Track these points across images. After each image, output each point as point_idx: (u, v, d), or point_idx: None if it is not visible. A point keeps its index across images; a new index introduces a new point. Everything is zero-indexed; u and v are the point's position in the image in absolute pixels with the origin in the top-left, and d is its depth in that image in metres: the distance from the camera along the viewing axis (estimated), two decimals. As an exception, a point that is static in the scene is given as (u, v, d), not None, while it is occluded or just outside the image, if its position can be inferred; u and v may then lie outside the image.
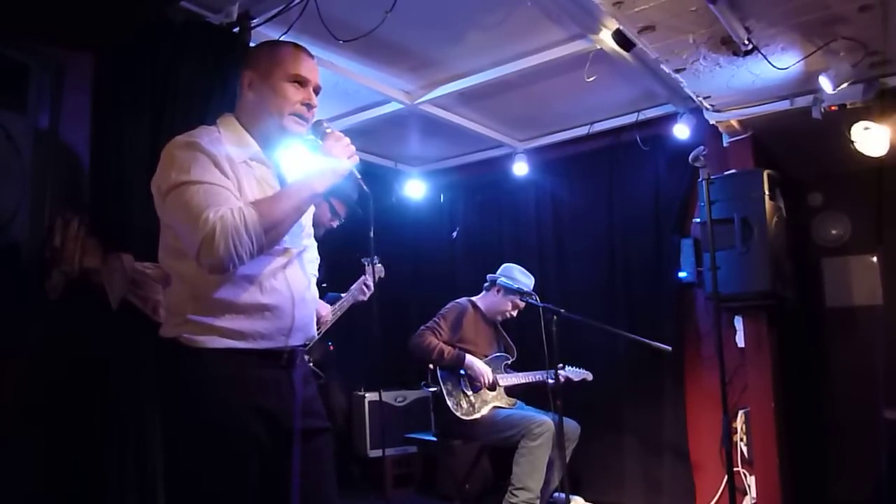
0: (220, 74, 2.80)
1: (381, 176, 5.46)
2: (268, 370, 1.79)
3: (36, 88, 2.57)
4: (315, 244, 2.15)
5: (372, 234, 2.00)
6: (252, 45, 3.00)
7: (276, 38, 3.04)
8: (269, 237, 1.68)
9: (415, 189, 5.54)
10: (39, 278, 2.54)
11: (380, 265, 3.92)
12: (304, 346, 1.92)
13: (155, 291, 2.70)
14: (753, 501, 3.87)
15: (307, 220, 1.99)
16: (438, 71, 3.90)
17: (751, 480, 3.91)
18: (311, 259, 2.08)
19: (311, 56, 1.92)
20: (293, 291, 1.83)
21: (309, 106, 1.86)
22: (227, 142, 1.80)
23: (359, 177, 1.88)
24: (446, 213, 5.74)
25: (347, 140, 1.84)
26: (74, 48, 2.71)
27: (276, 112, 1.84)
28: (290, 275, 1.84)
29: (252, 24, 3.04)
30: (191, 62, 2.74)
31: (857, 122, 3.46)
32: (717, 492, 4.09)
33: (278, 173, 1.91)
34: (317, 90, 1.91)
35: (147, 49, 2.70)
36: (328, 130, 1.86)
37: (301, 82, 1.86)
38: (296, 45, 1.93)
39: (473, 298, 4.34)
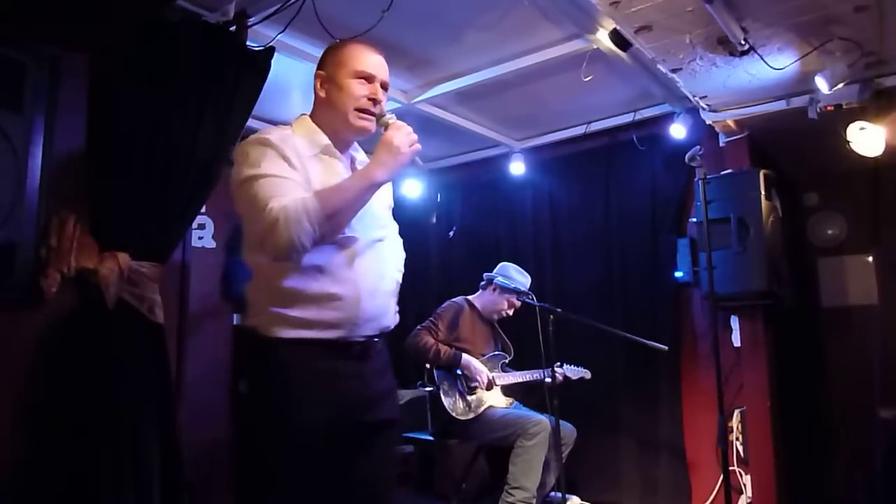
0: (217, 73, 2.79)
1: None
2: (339, 361, 1.85)
3: (32, 87, 2.56)
4: (398, 240, 2.17)
5: (434, 221, 2.07)
6: (249, 43, 3.00)
7: (273, 36, 3.05)
8: (331, 225, 1.75)
9: (411, 188, 5.54)
10: (35, 277, 2.54)
11: None
12: (378, 337, 1.96)
13: (151, 290, 2.70)
14: (749, 500, 3.88)
15: (382, 211, 2.06)
16: (435, 70, 3.90)
17: (746, 479, 3.92)
18: (395, 252, 2.10)
19: (378, 52, 2.00)
20: (363, 282, 1.87)
21: (374, 101, 1.94)
22: (298, 137, 1.90)
23: (421, 164, 1.98)
24: (443, 213, 5.74)
25: (409, 129, 1.88)
26: (71, 47, 2.70)
27: (342, 108, 1.93)
28: (361, 265, 1.88)
29: (249, 23, 3.03)
30: (187, 61, 2.73)
31: (852, 122, 3.46)
32: (713, 491, 4.10)
33: (348, 165, 2.01)
34: (384, 86, 1.99)
35: (143, 47, 2.69)
36: (390, 121, 1.91)
37: (367, 78, 1.94)
38: (361, 43, 2.02)
39: (470, 297, 4.33)
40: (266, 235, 1.70)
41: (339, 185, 1.83)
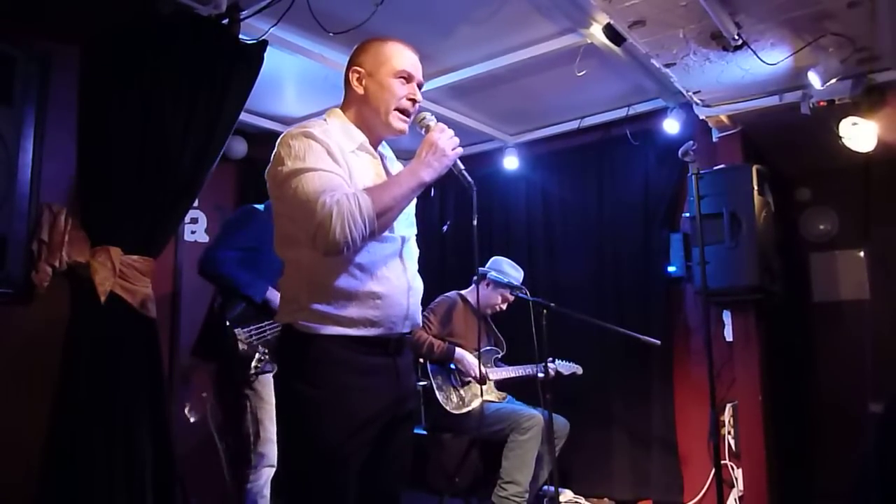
0: (209, 66, 2.78)
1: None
2: (376, 357, 1.87)
3: (22, 80, 2.55)
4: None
5: (475, 222, 2.11)
6: (241, 36, 2.99)
7: (266, 29, 3.04)
8: (381, 222, 1.76)
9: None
10: (27, 271, 2.53)
11: None
12: (410, 333, 2.00)
13: (143, 285, 2.70)
14: (740, 494, 3.90)
15: (411, 209, 2.06)
16: (429, 64, 3.84)
17: (738, 473, 3.94)
18: (414, 251, 2.13)
19: (416, 53, 2.02)
20: (401, 280, 1.91)
21: (413, 101, 1.97)
22: (335, 133, 1.89)
23: (462, 167, 1.98)
24: (437, 207, 5.73)
25: (451, 132, 1.92)
26: (62, 40, 2.69)
27: (382, 106, 1.94)
28: (398, 263, 1.92)
29: (241, 16, 3.02)
30: (179, 54, 2.72)
31: (845, 117, 3.47)
32: (704, 485, 4.12)
33: (384, 163, 2.02)
34: (420, 86, 2.01)
35: (135, 41, 2.68)
36: (431, 123, 1.95)
37: (406, 78, 1.96)
38: (401, 42, 2.01)
39: (463, 292, 4.33)
40: (318, 230, 1.69)
41: (388, 182, 1.86)
